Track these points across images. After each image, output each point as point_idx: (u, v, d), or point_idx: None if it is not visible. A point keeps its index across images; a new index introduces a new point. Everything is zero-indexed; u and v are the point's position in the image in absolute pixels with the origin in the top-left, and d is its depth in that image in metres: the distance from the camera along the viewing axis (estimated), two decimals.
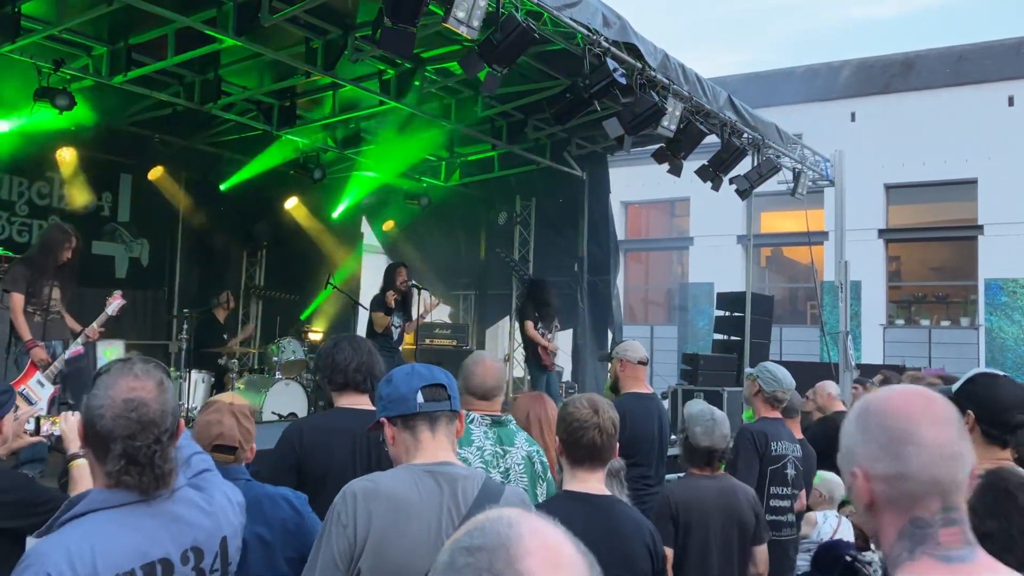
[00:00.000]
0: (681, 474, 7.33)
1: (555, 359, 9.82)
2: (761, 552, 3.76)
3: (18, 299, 6.06)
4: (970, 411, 2.67)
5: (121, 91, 8.51)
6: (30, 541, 1.94)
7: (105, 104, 9.12)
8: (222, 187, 11.04)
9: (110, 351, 8.12)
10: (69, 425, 3.21)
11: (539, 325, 9.37)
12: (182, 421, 2.04)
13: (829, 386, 6.58)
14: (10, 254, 7.64)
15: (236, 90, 9.19)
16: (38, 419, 3.21)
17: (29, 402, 5.74)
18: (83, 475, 3.16)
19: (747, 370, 4.94)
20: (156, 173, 10.31)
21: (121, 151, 9.90)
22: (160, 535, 1.91)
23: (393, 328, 8.36)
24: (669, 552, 3.43)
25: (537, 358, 9.38)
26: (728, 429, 3.77)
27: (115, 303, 6.14)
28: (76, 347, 6.14)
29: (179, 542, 1.94)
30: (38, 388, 5.91)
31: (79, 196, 9.67)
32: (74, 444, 3.20)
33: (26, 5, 7.04)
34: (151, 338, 10.22)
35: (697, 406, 3.85)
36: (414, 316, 8.72)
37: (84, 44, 8.14)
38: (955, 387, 2.82)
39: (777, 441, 4.55)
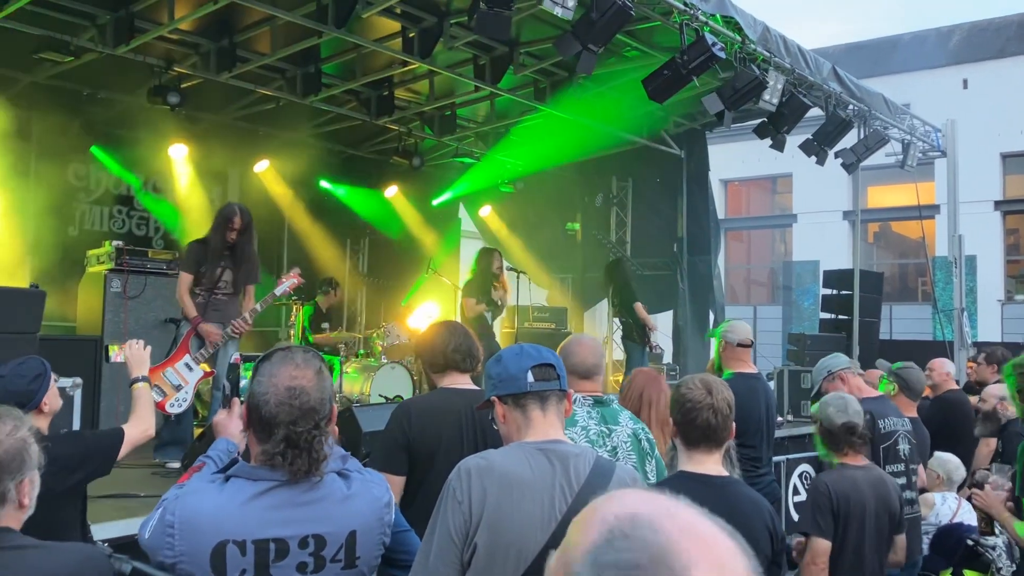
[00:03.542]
0: (788, 456, 7.23)
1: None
2: (901, 540, 3.70)
3: (185, 278, 5.97)
4: None
5: (228, 86, 8.81)
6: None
7: (213, 100, 9.46)
8: (321, 184, 11.46)
9: (250, 365, 8.30)
10: (132, 352, 3.47)
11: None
12: (335, 407, 2.10)
13: (945, 364, 6.35)
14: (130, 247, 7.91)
15: (335, 82, 9.39)
16: (107, 347, 3.45)
17: (173, 385, 5.67)
18: (142, 395, 3.39)
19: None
20: (262, 166, 10.65)
21: (228, 146, 10.24)
22: (282, 517, 1.97)
23: (486, 314, 8.41)
24: (826, 544, 3.40)
25: (642, 337, 9.36)
26: (860, 406, 3.71)
27: (287, 282, 5.89)
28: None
29: (301, 527, 1.99)
30: (185, 371, 5.75)
31: (191, 190, 10.05)
32: (136, 370, 3.45)
33: (138, 7, 7.38)
34: (260, 327, 10.55)
35: (825, 397, 3.84)
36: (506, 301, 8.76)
37: (192, 43, 8.45)
38: None
39: (884, 418, 4.41)
